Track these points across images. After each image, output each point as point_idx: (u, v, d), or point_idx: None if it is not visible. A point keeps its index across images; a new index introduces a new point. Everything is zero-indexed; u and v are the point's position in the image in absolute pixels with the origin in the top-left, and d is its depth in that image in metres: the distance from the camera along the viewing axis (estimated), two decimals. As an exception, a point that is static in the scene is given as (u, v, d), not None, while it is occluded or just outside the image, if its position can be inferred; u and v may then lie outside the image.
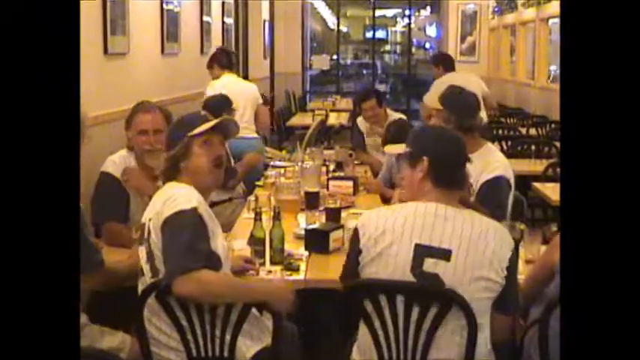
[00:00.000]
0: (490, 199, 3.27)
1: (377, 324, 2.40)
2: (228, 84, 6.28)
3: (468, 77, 7.07)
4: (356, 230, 2.49)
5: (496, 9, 12.97)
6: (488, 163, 3.43)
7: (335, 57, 16.76)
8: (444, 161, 2.48)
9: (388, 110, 5.98)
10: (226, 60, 6.62)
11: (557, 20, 9.79)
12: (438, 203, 2.43)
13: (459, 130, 3.19)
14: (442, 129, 2.89)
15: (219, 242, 2.55)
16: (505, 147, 6.82)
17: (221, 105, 5.07)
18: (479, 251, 2.36)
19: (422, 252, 2.37)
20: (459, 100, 3.49)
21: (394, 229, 2.41)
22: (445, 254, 2.36)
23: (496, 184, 3.36)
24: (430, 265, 2.36)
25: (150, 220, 2.54)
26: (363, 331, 2.45)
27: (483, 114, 4.73)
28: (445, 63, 7.59)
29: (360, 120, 6.16)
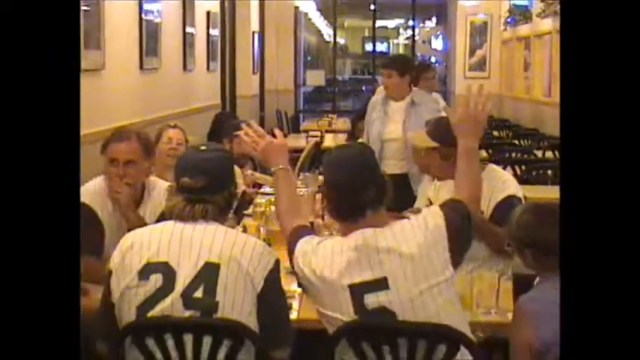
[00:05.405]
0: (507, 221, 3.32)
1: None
2: None
3: None
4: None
5: (509, 20, 13.02)
6: (496, 182, 3.54)
7: (331, 72, 16.85)
8: (334, 191, 2.57)
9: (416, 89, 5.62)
10: None
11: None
12: (357, 234, 2.49)
13: (440, 157, 3.45)
14: (340, 151, 2.73)
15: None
16: (519, 172, 6.86)
17: None
18: (416, 262, 2.44)
19: (358, 291, 2.44)
20: None
21: (324, 280, 2.48)
22: (381, 284, 2.44)
23: (511, 204, 3.39)
24: (372, 300, 2.43)
25: None
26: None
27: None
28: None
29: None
